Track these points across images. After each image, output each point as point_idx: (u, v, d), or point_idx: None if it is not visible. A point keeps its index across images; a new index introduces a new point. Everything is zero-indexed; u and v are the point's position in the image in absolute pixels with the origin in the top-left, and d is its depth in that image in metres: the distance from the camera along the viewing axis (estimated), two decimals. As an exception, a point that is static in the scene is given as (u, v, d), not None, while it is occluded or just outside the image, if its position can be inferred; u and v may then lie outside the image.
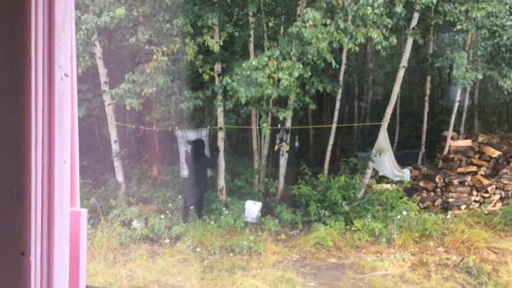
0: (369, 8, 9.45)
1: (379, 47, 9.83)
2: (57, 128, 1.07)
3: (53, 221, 1.07)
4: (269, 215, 10.50)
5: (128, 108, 9.92)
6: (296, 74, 9.49)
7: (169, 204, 10.43)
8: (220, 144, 11.10)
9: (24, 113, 1.01)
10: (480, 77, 11.26)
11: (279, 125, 11.17)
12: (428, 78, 13.55)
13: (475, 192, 11.90)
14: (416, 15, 11.00)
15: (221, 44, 10.15)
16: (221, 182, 11.08)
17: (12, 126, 1.01)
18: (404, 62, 11.33)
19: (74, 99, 1.18)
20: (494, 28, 10.84)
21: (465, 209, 11.62)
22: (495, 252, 9.32)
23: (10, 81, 1.01)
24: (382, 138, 11.46)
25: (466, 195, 11.81)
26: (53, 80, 1.06)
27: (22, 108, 1.01)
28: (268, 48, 10.82)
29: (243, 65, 9.45)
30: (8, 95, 1.01)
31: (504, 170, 12.28)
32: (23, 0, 1.00)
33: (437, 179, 11.94)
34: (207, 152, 10.89)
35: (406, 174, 11.73)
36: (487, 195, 11.88)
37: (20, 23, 1.00)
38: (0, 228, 1.01)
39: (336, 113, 11.95)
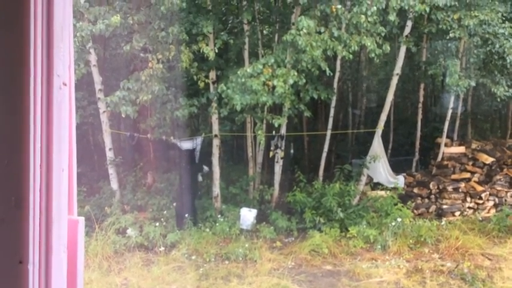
0: (363, 16, 9.53)
1: (373, 54, 9.90)
2: (55, 137, 1.08)
3: (51, 230, 1.07)
4: (264, 222, 10.49)
5: (123, 115, 9.91)
6: (291, 81, 9.53)
7: (164, 212, 10.39)
8: (215, 151, 11.09)
9: (23, 121, 1.01)
10: (473, 84, 11.35)
11: (274, 132, 11.19)
12: (422, 85, 13.64)
13: (469, 199, 11.95)
14: (409, 23, 11.10)
15: (216, 51, 10.19)
16: (216, 189, 11.06)
17: (11, 135, 1.01)
18: (397, 70, 11.42)
19: (71, 107, 1.18)
20: (487, 36, 10.95)
21: (459, 215, 11.66)
22: (489, 259, 9.35)
23: (9, 90, 1.01)
24: (377, 145, 11.50)
25: (460, 201, 11.86)
26: (51, 89, 1.07)
27: (20, 116, 1.01)
28: (263, 56, 10.87)
29: (238, 72, 9.48)
30: (7, 103, 1.01)
31: (497, 177, 12.35)
32: (21, 10, 1.00)
33: (431, 186, 11.99)
34: (197, 159, 10.83)
35: (400, 180, 11.77)
36: (480, 201, 11.93)
37: (19, 33, 1.00)
38: (-2, 237, 1.01)
39: (331, 120, 11.99)
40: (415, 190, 12.14)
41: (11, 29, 1.01)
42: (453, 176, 12.31)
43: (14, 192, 1.01)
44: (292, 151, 13.95)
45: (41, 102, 1.04)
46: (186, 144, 10.82)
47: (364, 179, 11.71)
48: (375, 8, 9.54)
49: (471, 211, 11.87)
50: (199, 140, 10.89)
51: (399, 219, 10.03)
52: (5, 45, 1.01)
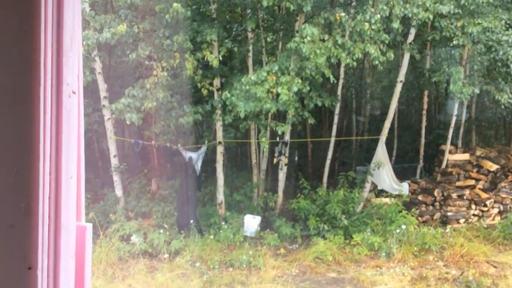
0: (366, 23, 9.56)
1: (377, 62, 9.92)
2: (64, 144, 1.09)
3: (60, 236, 1.08)
4: (268, 229, 10.48)
5: (127, 122, 9.95)
6: (295, 89, 9.56)
7: (168, 219, 10.39)
8: (219, 158, 11.11)
9: (33, 129, 1.03)
10: (477, 91, 11.35)
11: (278, 139, 11.20)
12: (426, 92, 13.63)
13: (473, 206, 11.90)
14: (413, 31, 11.12)
15: (220, 59, 10.23)
16: (220, 196, 11.06)
17: (21, 142, 1.03)
18: (401, 77, 11.42)
19: (80, 115, 1.20)
20: (490, 43, 10.96)
21: (464, 222, 11.61)
22: (494, 266, 9.29)
23: (19, 98, 1.03)
24: (381, 152, 11.49)
25: (464, 209, 11.80)
26: (60, 97, 1.09)
27: (31, 124, 1.03)
28: (267, 63, 10.91)
29: (242, 79, 9.52)
30: (17, 111, 1.03)
31: (502, 184, 12.29)
32: (32, 19, 1.03)
33: (435, 193, 11.95)
34: (197, 166, 10.82)
35: (404, 188, 11.73)
36: (485, 209, 11.87)
37: (30, 42, 1.03)
38: (8, 243, 1.02)
39: (335, 127, 11.99)
40: (420, 197, 12.10)
41: (22, 39, 1.03)
42: (458, 183, 12.27)
43: (23, 199, 1.02)
44: (296, 158, 13.94)
45: (51, 110, 1.06)
46: (190, 152, 10.84)
47: (368, 186, 11.68)
48: (378, 15, 9.57)
49: (476, 218, 11.82)
50: (203, 148, 10.92)
51: (404, 227, 9.99)
52: (15, 54, 1.03)
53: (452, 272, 8.93)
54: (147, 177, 11.60)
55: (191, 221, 10.03)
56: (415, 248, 9.75)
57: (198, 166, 10.68)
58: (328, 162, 12.05)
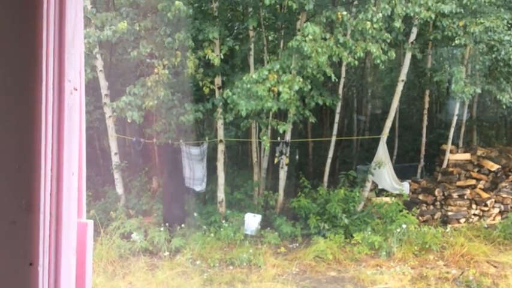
0: (368, 22, 9.55)
1: (378, 61, 9.91)
2: (66, 141, 1.09)
3: (61, 232, 1.08)
4: (269, 228, 10.48)
5: (128, 120, 9.96)
6: (296, 88, 9.55)
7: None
8: (220, 156, 11.11)
9: (34, 125, 1.03)
10: (478, 91, 11.33)
11: (279, 138, 11.20)
12: (427, 92, 13.62)
13: (474, 206, 11.89)
14: (414, 30, 11.11)
15: (222, 57, 10.23)
16: (221, 195, 11.07)
17: (22, 139, 1.03)
18: (403, 76, 11.41)
19: (82, 112, 1.20)
20: (492, 43, 10.95)
21: (464, 222, 11.61)
22: (495, 266, 9.29)
23: (21, 94, 1.03)
24: (382, 151, 11.48)
25: (465, 208, 11.80)
26: (62, 93, 1.09)
27: (32, 121, 1.03)
28: (268, 62, 10.90)
29: (244, 78, 9.52)
30: (19, 108, 1.03)
31: (503, 184, 12.29)
32: (34, 15, 1.02)
33: (436, 193, 11.94)
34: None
35: (405, 187, 11.73)
36: (486, 208, 11.87)
37: (31, 38, 1.02)
38: (9, 239, 1.02)
39: (336, 126, 11.98)
40: (420, 197, 12.09)
41: (24, 35, 1.03)
42: (458, 183, 12.26)
43: (25, 195, 1.02)
44: (297, 157, 13.94)
45: (53, 107, 1.06)
46: (193, 148, 10.87)
47: (369, 185, 11.68)
48: (380, 14, 9.56)
49: (476, 218, 11.82)
50: (205, 145, 10.95)
51: (404, 226, 9.99)
52: (17, 50, 1.03)
53: (452, 271, 8.93)
54: (147, 175, 11.61)
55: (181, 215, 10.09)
56: (416, 248, 9.75)
57: (204, 163, 10.76)
58: (328, 161, 12.05)
